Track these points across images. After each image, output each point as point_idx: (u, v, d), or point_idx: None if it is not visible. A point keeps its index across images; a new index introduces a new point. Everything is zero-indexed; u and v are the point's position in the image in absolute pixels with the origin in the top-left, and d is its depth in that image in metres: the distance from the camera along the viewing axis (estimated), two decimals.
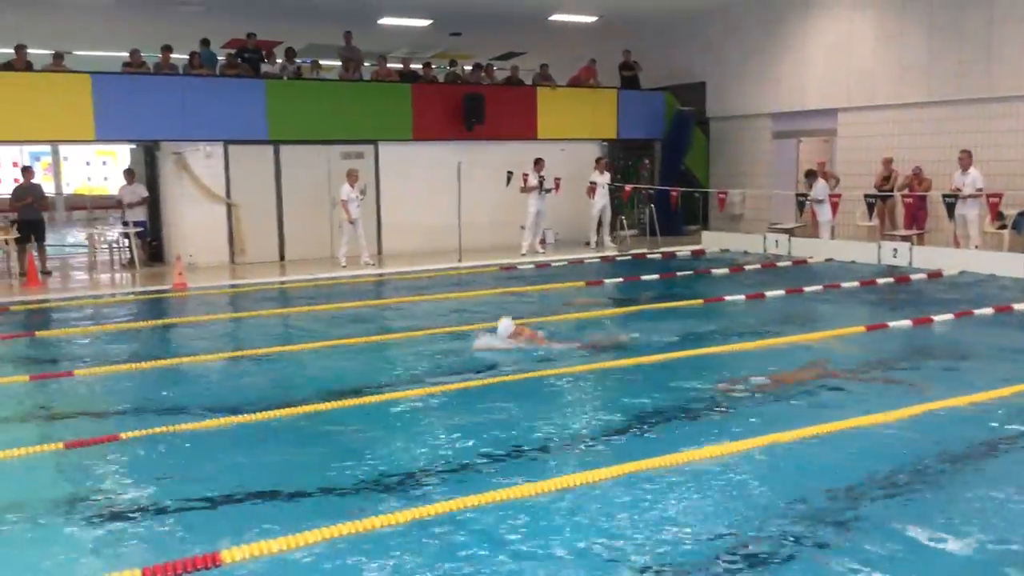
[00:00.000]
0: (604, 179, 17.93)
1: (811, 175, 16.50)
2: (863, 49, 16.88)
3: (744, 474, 5.33)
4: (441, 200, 16.81)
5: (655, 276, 14.05)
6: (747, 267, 14.88)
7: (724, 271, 14.52)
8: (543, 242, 17.48)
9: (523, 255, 16.83)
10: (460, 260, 15.92)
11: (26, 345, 9.93)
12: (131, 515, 4.94)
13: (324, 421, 6.66)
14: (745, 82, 19.55)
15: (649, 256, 16.81)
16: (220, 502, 5.11)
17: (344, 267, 15.20)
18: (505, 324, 8.82)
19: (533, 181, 16.97)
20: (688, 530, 4.57)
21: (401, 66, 19.27)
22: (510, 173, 17.27)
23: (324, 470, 5.57)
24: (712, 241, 18.04)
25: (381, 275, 15.12)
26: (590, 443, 6.06)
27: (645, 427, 6.38)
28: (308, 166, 16.61)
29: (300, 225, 16.65)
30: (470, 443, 6.03)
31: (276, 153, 16.41)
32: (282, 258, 16.56)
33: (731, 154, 20.22)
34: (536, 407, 6.87)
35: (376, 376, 8.00)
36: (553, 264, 15.97)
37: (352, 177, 15.34)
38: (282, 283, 14.43)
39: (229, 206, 15.98)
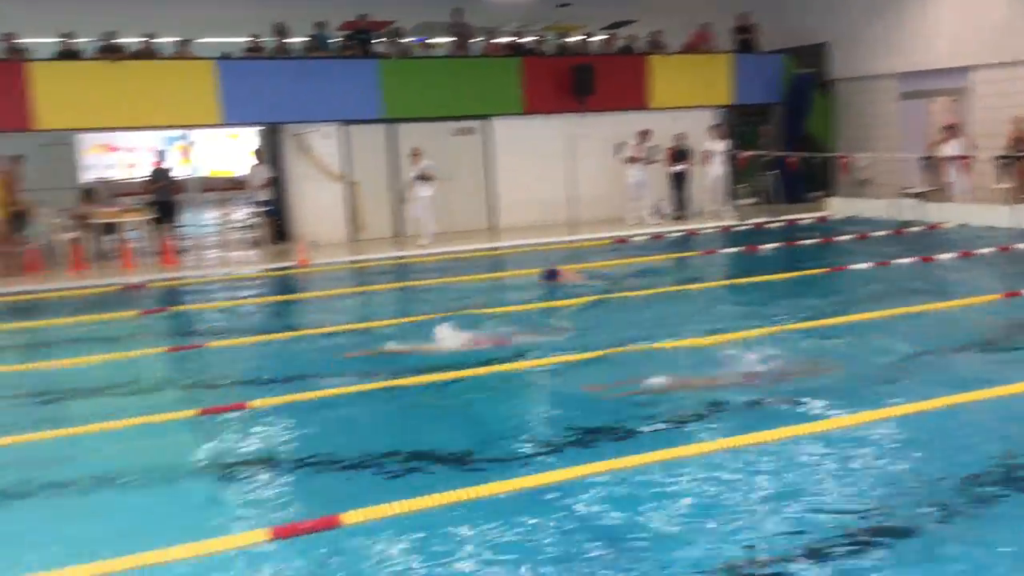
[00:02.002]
0: (720, 147, 17.50)
1: (944, 135, 15.69)
2: (997, 0, 15.88)
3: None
4: (553, 173, 16.79)
5: (774, 244, 13.67)
6: (875, 233, 14.28)
7: (851, 237, 13.99)
8: (655, 213, 17.26)
9: (632, 226, 16.68)
10: (572, 233, 15.89)
11: (163, 319, 10.50)
12: (258, 477, 5.19)
13: (452, 389, 6.80)
14: (870, 41, 18.69)
15: (770, 224, 16.35)
16: (342, 466, 5.31)
17: (423, 244, 15.29)
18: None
19: (635, 152, 16.77)
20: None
21: (511, 39, 19.24)
22: (619, 145, 17.09)
23: (448, 435, 5.71)
24: (839, 207, 17.36)
25: (495, 248, 15.27)
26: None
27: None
28: (422, 143, 16.82)
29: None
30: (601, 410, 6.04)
31: (391, 131, 16.71)
32: (397, 234, 16.90)
33: (857, 117, 19.40)
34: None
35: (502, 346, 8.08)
36: (668, 235, 15.75)
37: (414, 156, 15.49)
38: (399, 258, 14.75)
39: (349, 184, 16.40)
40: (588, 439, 5.55)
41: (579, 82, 17.30)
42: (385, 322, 9.35)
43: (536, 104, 17.37)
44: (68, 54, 15.10)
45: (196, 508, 4.85)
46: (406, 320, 9.40)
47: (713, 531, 4.24)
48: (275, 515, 4.64)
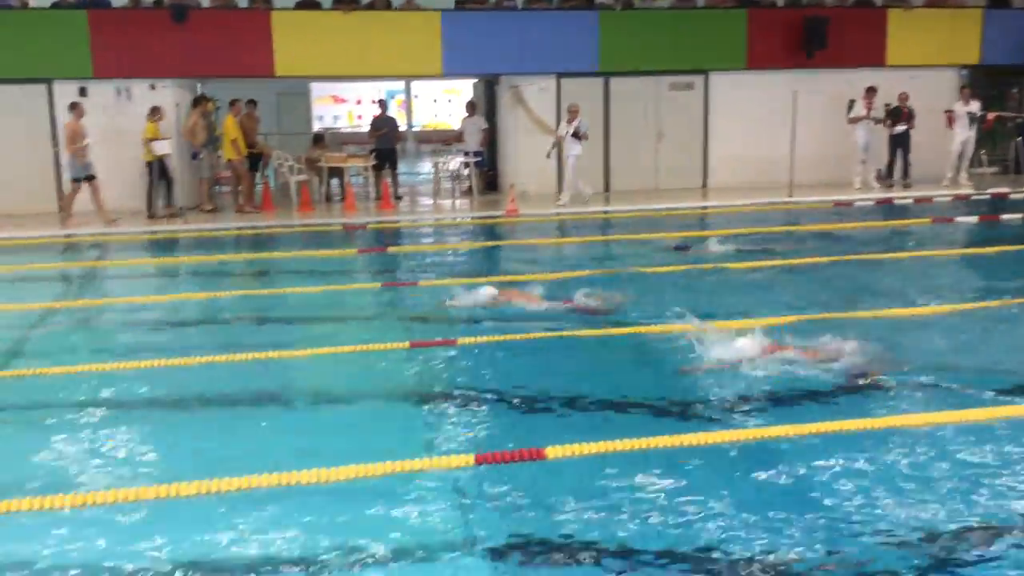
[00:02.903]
0: (969, 109, 15.98)
1: None
2: None
3: None
4: (772, 132, 16.05)
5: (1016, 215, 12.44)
6: None
7: None
8: (881, 177, 16.14)
9: (856, 189, 15.68)
10: (791, 195, 15.17)
11: (379, 258, 10.98)
12: (464, 408, 5.30)
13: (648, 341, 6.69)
14: None
15: (1014, 196, 14.86)
16: (545, 404, 5.32)
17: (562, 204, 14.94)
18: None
19: (861, 110, 15.68)
20: None
21: None
22: (852, 102, 16.07)
23: (645, 386, 5.61)
24: None
25: (705, 208, 14.86)
26: None
27: None
28: (636, 98, 16.57)
29: (625, 157, 16.72)
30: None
31: (605, 85, 16.54)
32: (607, 189, 16.78)
33: None
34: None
35: (704, 301, 7.85)
36: (896, 201, 14.70)
37: (571, 113, 15.10)
38: (605, 213, 14.64)
39: (559, 138, 16.42)
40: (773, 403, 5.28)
41: (810, 35, 16.36)
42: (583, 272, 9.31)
43: (760, 58, 16.61)
44: (308, 4, 15.94)
45: (405, 431, 5.02)
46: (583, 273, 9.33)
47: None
48: (479, 443, 4.72)
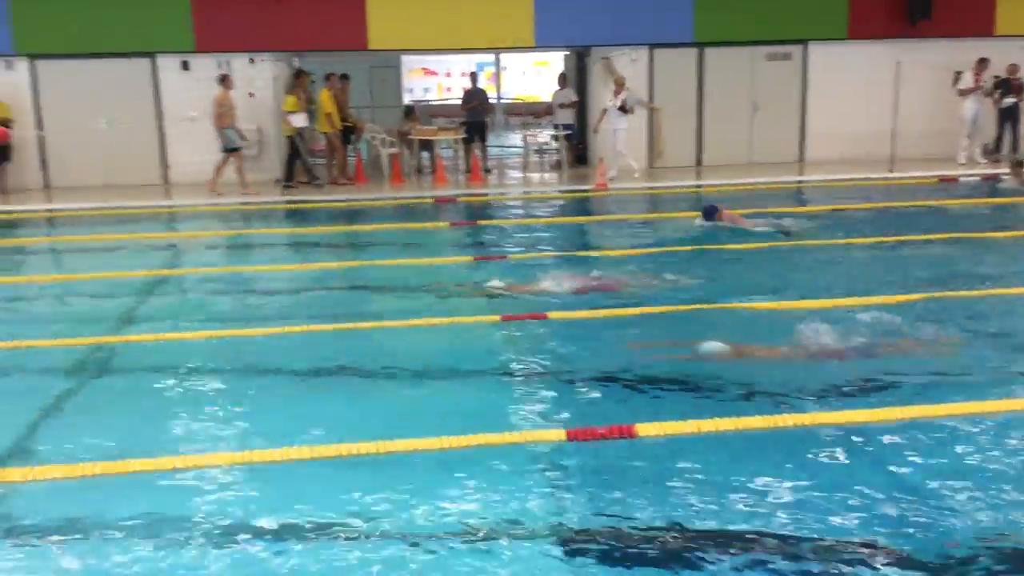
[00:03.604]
0: None
1: None
2: None
3: None
4: (873, 104, 15.52)
5: None
6: None
7: None
8: (987, 151, 15.46)
9: (961, 164, 15.06)
10: (891, 170, 14.67)
11: (470, 231, 11.07)
12: (555, 382, 5.33)
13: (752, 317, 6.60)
14: None
15: None
16: (635, 382, 5.31)
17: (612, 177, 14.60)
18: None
19: (970, 82, 15.01)
20: None
21: None
22: (958, 73, 15.39)
23: (736, 368, 5.54)
24: None
25: (800, 182, 14.51)
26: None
27: None
28: (731, 69, 16.20)
29: (719, 129, 16.41)
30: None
31: (700, 56, 16.22)
32: (699, 163, 16.51)
33: None
34: None
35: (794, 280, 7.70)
36: (1004, 177, 14.07)
37: (617, 87, 14.76)
38: (697, 187, 14.42)
39: (650, 110, 16.21)
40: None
41: (914, 3, 15.71)
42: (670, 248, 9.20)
43: (861, 27, 16.03)
44: None
45: (496, 404, 5.08)
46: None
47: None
48: (570, 418, 4.75)
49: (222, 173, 14.08)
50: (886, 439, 4.41)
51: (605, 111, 15.01)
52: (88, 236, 11.27)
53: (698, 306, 6.87)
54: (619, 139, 14.85)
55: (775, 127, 16.34)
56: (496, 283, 7.71)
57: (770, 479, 3.99)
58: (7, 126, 14.30)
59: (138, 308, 7.60)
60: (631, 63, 16.05)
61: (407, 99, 25.37)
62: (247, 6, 14.95)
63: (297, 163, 14.92)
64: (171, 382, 5.53)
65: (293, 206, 13.30)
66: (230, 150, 13.99)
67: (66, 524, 3.77)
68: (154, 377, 5.64)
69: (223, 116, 13.81)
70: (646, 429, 4.46)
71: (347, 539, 3.59)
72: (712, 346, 5.70)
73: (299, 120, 14.39)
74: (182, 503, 3.93)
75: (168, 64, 15.03)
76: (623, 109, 14.74)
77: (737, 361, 5.62)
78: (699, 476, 4.05)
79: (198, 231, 11.67)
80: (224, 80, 14.02)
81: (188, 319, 7.10)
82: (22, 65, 14.83)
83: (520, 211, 12.76)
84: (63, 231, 12.15)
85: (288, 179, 14.81)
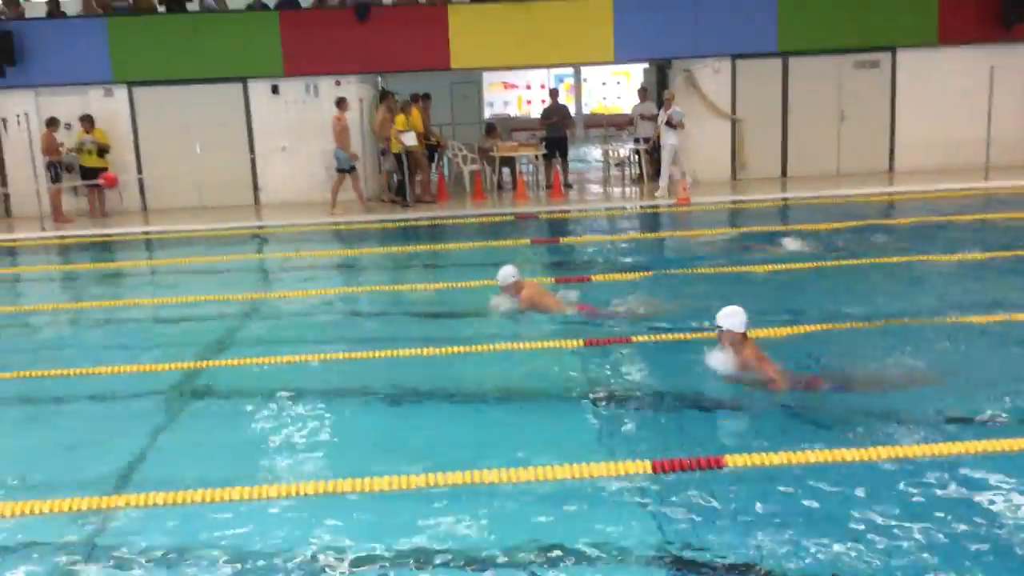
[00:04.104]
0: None
1: None
2: None
3: None
4: (966, 112, 15.03)
5: None
6: None
7: None
8: None
9: None
10: (986, 178, 14.17)
11: (551, 250, 11.10)
12: (639, 410, 5.30)
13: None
14: None
15: None
16: (721, 409, 5.25)
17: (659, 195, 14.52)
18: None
19: None
20: None
21: None
22: None
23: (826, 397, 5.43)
24: None
25: (890, 194, 14.13)
26: None
27: None
28: (817, 78, 15.89)
29: (805, 140, 16.10)
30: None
31: (784, 65, 15.96)
32: (784, 174, 16.22)
33: None
34: None
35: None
36: None
37: (667, 102, 14.66)
38: (783, 200, 14.17)
39: (733, 122, 16.02)
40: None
41: (1008, 6, 15.16)
42: (761, 268, 9.05)
43: (952, 33, 15.54)
44: None
45: (579, 431, 5.07)
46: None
47: None
48: (654, 448, 4.72)
49: (333, 192, 14.55)
50: (981, 474, 4.26)
51: (658, 127, 15.07)
52: (185, 259, 11.67)
53: (794, 329, 6.74)
54: (664, 155, 14.85)
55: (863, 137, 15.96)
56: (576, 304, 7.71)
57: (865, 513, 3.90)
58: (105, 151, 14.94)
59: (230, 332, 7.83)
60: (713, 74, 15.91)
61: (487, 113, 25.59)
62: (333, 30, 15.34)
63: (397, 179, 15.12)
64: (264, 407, 5.68)
65: (378, 226, 13.54)
66: (342, 170, 14.40)
67: (163, 550, 3.92)
68: (247, 402, 5.80)
69: (341, 137, 14.28)
70: (735, 460, 4.41)
71: (437, 567, 3.65)
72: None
73: (409, 139, 14.68)
74: (274, 532, 4.03)
75: (259, 88, 15.52)
76: (670, 124, 14.68)
77: (839, 389, 5.49)
78: (790, 510, 3.98)
79: (286, 252, 11.94)
80: (341, 103, 14.44)
81: (276, 343, 7.27)
82: (121, 92, 15.49)
83: (602, 228, 12.75)
84: (161, 254, 12.62)
85: (400, 195, 15.04)
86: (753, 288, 8.24)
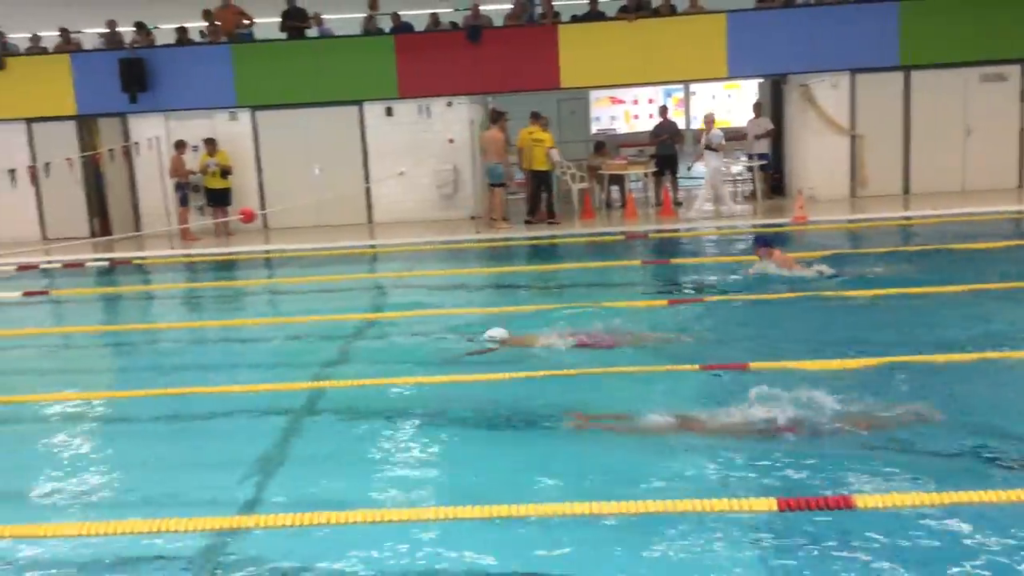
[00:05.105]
0: None
1: None
2: None
3: None
4: None
5: None
6: None
7: None
8: None
9: None
10: None
11: (663, 270, 10.96)
12: (766, 443, 5.14)
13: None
14: None
15: None
16: (852, 442, 5.05)
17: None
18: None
19: None
20: None
21: None
22: None
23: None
24: None
25: (1018, 212, 13.44)
26: None
27: None
28: (940, 92, 15.28)
29: (928, 156, 15.49)
30: None
31: (906, 79, 15.41)
32: (906, 191, 15.64)
33: None
34: None
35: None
36: None
37: (707, 124, 14.52)
38: (907, 219, 13.66)
39: (852, 138, 15.55)
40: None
41: None
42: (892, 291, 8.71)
43: None
44: (592, 16, 16.24)
45: (701, 464, 4.96)
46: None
47: None
48: (779, 484, 4.59)
49: (496, 207, 14.83)
50: None
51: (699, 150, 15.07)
52: (305, 278, 12.05)
53: (900, 358, 6.46)
54: (709, 177, 14.69)
55: (991, 152, 15.28)
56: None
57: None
58: (228, 173, 15.57)
59: (344, 351, 7.99)
60: (831, 89, 15.50)
61: (594, 128, 25.54)
62: (446, 52, 15.64)
63: (544, 197, 15.26)
64: (384, 427, 5.77)
65: (487, 244, 13.67)
66: (498, 184, 14.69)
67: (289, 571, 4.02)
68: (363, 423, 5.91)
69: (497, 152, 14.63)
70: (866, 500, 4.24)
71: None
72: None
73: (556, 155, 14.86)
74: (392, 556, 4.08)
75: (374, 110, 15.92)
76: (710, 148, 14.41)
77: (981, 427, 5.23)
78: (925, 555, 3.81)
79: (398, 271, 12.13)
80: (498, 118, 14.83)
81: (388, 363, 7.37)
82: (244, 116, 16.13)
83: (715, 247, 12.54)
84: (282, 272, 13.05)
85: (550, 212, 15.20)
86: (880, 316, 7.93)
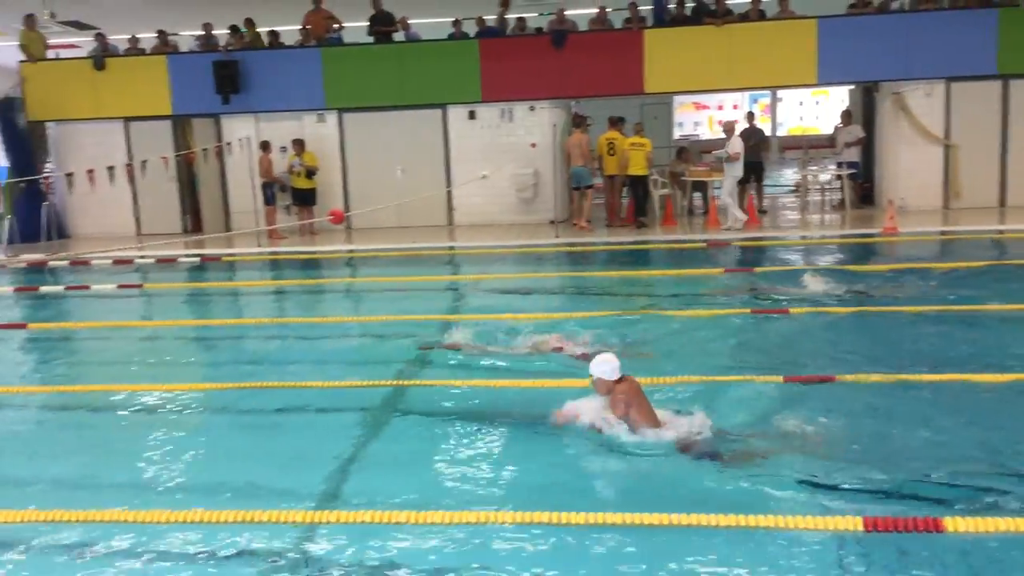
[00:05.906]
0: None
1: None
2: None
3: None
4: None
5: None
6: None
7: None
8: None
9: None
10: None
11: (746, 279, 10.76)
12: (854, 461, 4.98)
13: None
14: None
15: None
16: (943, 465, 4.89)
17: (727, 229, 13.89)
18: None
19: None
20: None
21: None
22: None
23: None
24: None
25: None
26: None
27: None
28: None
29: None
30: None
31: (1004, 88, 14.86)
32: (1002, 204, 15.07)
33: None
34: None
35: None
36: None
37: (726, 132, 13.98)
38: (999, 232, 13.15)
39: (946, 147, 15.06)
40: None
41: None
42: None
43: None
44: (679, 20, 16.09)
45: (785, 480, 4.85)
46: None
47: None
48: (866, 504, 4.46)
49: (584, 209, 15.02)
50: None
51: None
52: (388, 277, 12.22)
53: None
54: (727, 185, 14.45)
55: None
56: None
57: None
58: (313, 173, 15.89)
59: (424, 351, 8.04)
60: (925, 98, 15.04)
61: (677, 133, 25.30)
62: (530, 57, 15.68)
63: (635, 200, 15.29)
64: (461, 429, 5.80)
65: (568, 249, 13.65)
66: (583, 187, 14.91)
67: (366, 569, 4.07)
68: (437, 422, 5.96)
69: (583, 156, 14.87)
70: (956, 523, 4.09)
71: None
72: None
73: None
74: (472, 557, 4.10)
75: (457, 114, 16.07)
76: (727, 159, 14.27)
77: None
78: None
79: (477, 274, 12.21)
80: (581, 122, 15.13)
81: (461, 365, 7.40)
82: (332, 118, 16.46)
83: (800, 257, 12.27)
84: (365, 271, 13.27)
85: (640, 216, 15.25)
86: (967, 332, 7.65)
